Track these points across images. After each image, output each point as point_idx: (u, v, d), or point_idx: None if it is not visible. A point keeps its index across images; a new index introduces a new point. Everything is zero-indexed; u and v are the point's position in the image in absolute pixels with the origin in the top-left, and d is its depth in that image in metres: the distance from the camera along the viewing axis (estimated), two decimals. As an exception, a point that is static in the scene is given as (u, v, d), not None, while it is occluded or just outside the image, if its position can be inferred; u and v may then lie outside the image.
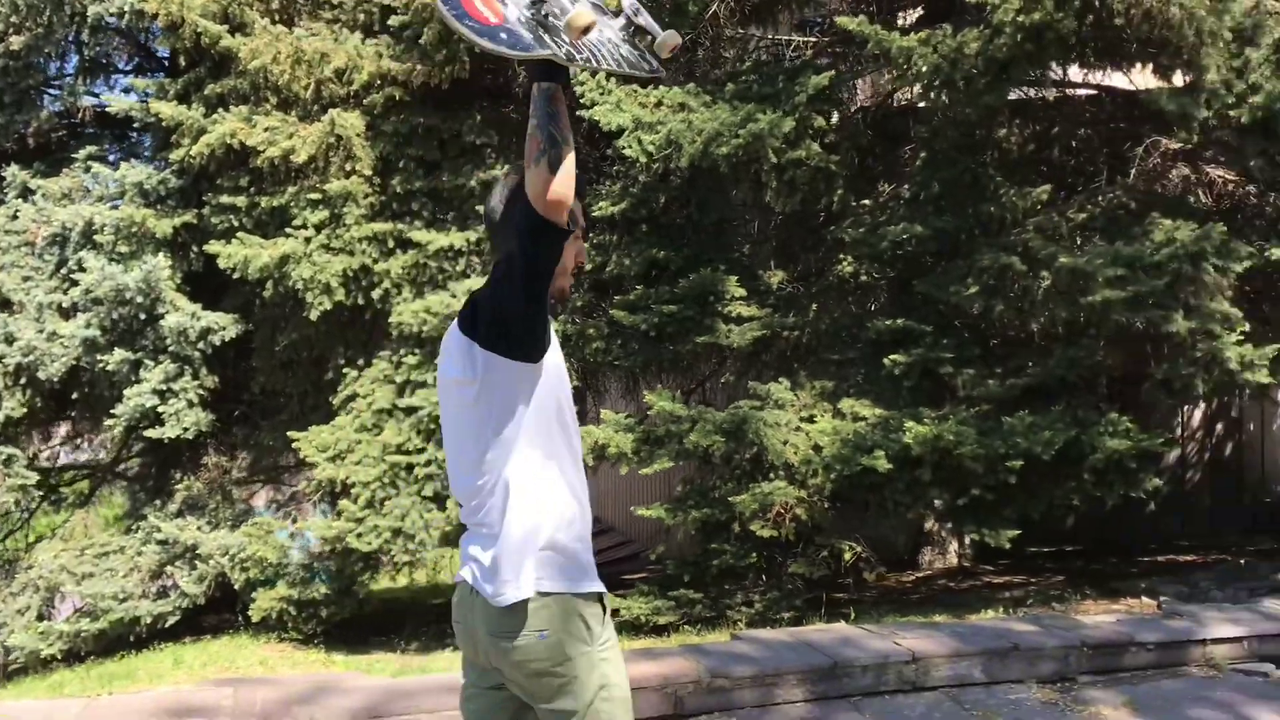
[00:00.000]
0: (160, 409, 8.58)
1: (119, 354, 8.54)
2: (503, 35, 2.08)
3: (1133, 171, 7.69)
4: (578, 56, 2.18)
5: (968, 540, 9.18)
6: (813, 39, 8.90)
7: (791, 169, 7.28)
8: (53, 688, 7.12)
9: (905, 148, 8.60)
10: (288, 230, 8.28)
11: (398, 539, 7.74)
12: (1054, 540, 9.76)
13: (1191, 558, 9.08)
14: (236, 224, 8.48)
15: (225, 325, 8.69)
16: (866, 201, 8.28)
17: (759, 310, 7.83)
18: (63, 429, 10.74)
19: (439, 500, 7.86)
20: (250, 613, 8.24)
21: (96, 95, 10.44)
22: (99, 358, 8.60)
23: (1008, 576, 8.75)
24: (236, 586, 8.49)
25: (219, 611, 9.14)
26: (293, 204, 8.29)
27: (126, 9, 9.04)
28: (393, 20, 8.21)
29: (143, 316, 8.55)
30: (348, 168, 8.22)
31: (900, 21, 8.59)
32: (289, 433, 8.46)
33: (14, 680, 8.23)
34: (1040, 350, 7.47)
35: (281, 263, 8.08)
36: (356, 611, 8.54)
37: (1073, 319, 7.07)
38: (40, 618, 8.61)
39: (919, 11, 8.76)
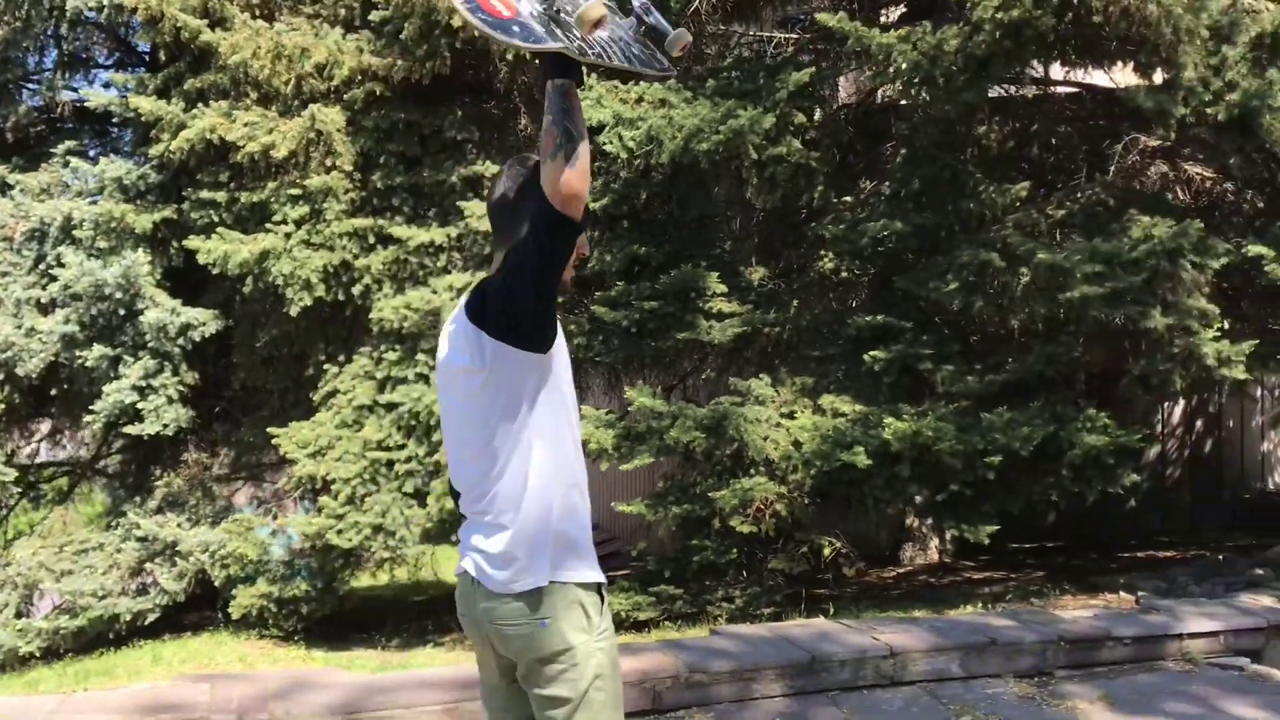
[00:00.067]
0: (140, 405, 8.53)
1: (98, 350, 8.49)
2: (515, 28, 2.10)
3: (1112, 169, 7.73)
4: (589, 51, 2.21)
5: (949, 536, 9.21)
6: (794, 36, 8.91)
7: (772, 165, 7.29)
8: (29, 685, 7.07)
9: (887, 145, 8.63)
10: (268, 226, 8.25)
11: (378, 535, 7.72)
12: (1035, 536, 9.80)
13: (1171, 553, 9.13)
14: (216, 219, 8.44)
15: (205, 321, 8.65)
16: (848, 198, 8.30)
17: (740, 307, 7.84)
18: (45, 426, 10.68)
19: (419, 497, 7.85)
20: (230, 610, 8.21)
21: (76, 90, 10.37)
22: (78, 354, 8.55)
23: (988, 572, 8.78)
24: (217, 583, 8.46)
25: (199, 609, 9.10)
26: (273, 199, 8.26)
27: (106, 3, 9.00)
28: (373, 15, 8.19)
29: (122, 312, 8.50)
30: (328, 163, 8.19)
31: (883, 19, 8.60)
32: (269, 429, 8.43)
33: (-9, 678, 8.18)
34: (1019, 346, 7.50)
35: (261, 258, 8.05)
36: (337, 608, 8.52)
37: (1052, 315, 7.11)
38: (19, 615, 8.55)
39: (901, 9, 8.77)
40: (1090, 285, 6.59)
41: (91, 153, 9.96)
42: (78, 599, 8.30)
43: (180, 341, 8.58)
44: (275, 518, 8.93)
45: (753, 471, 6.97)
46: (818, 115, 8.22)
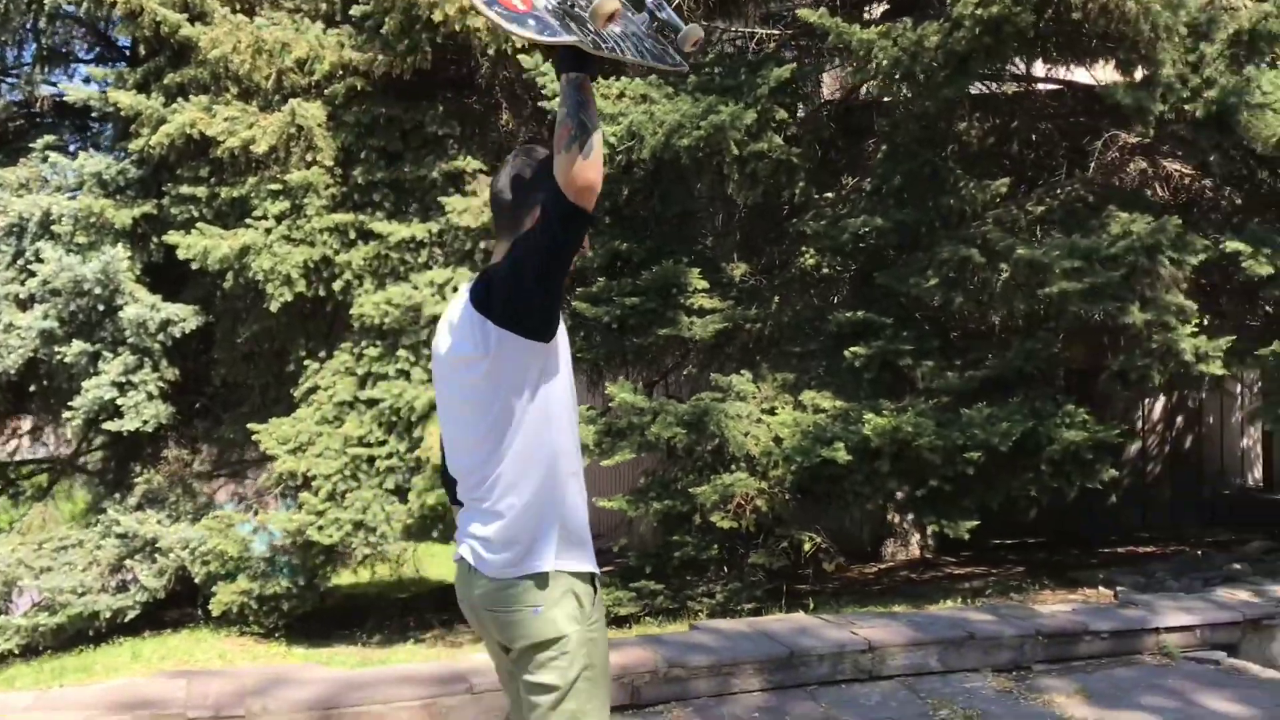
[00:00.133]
0: (119, 401, 8.48)
1: (77, 346, 8.44)
2: (531, 21, 2.13)
3: (1092, 165, 7.76)
4: (603, 46, 2.24)
5: (930, 532, 9.23)
6: (777, 32, 8.91)
7: (753, 161, 7.29)
8: (6, 682, 7.03)
9: (868, 141, 8.64)
10: (248, 221, 8.20)
11: (359, 531, 7.69)
12: (1016, 532, 9.84)
13: (1151, 549, 9.18)
14: (196, 214, 8.39)
15: (185, 317, 8.60)
16: (829, 194, 8.30)
17: (721, 302, 7.84)
18: (26, 423, 10.62)
19: (401, 493, 7.83)
20: (211, 607, 8.17)
21: (55, 84, 10.33)
22: (57, 349, 8.49)
23: (969, 568, 8.81)
24: (197, 580, 8.41)
25: (180, 606, 9.05)
26: (253, 194, 8.21)
27: (85, -4, 8.93)
28: (354, 10, 8.14)
29: (101, 308, 8.44)
30: (309, 158, 8.16)
31: (866, 15, 8.61)
32: (249, 425, 8.39)
33: (-32, 676, 8.13)
34: (999, 342, 7.52)
35: (242, 254, 8.01)
36: (318, 605, 8.50)
37: (1031, 311, 7.13)
38: (-3, 612, 8.52)
39: (884, 6, 8.78)
40: (1069, 281, 6.61)
41: (71, 148, 9.90)
42: (57, 596, 8.25)
43: (160, 337, 8.53)
44: (256, 514, 8.89)
45: (734, 467, 6.98)
46: (800, 111, 8.22)
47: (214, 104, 8.24)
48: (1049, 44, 7.16)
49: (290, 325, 8.50)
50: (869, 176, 8.21)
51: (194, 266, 8.18)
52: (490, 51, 7.87)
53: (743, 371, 7.50)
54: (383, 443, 7.89)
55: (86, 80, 9.99)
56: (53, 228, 8.64)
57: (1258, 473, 11.32)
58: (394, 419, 7.86)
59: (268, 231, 8.12)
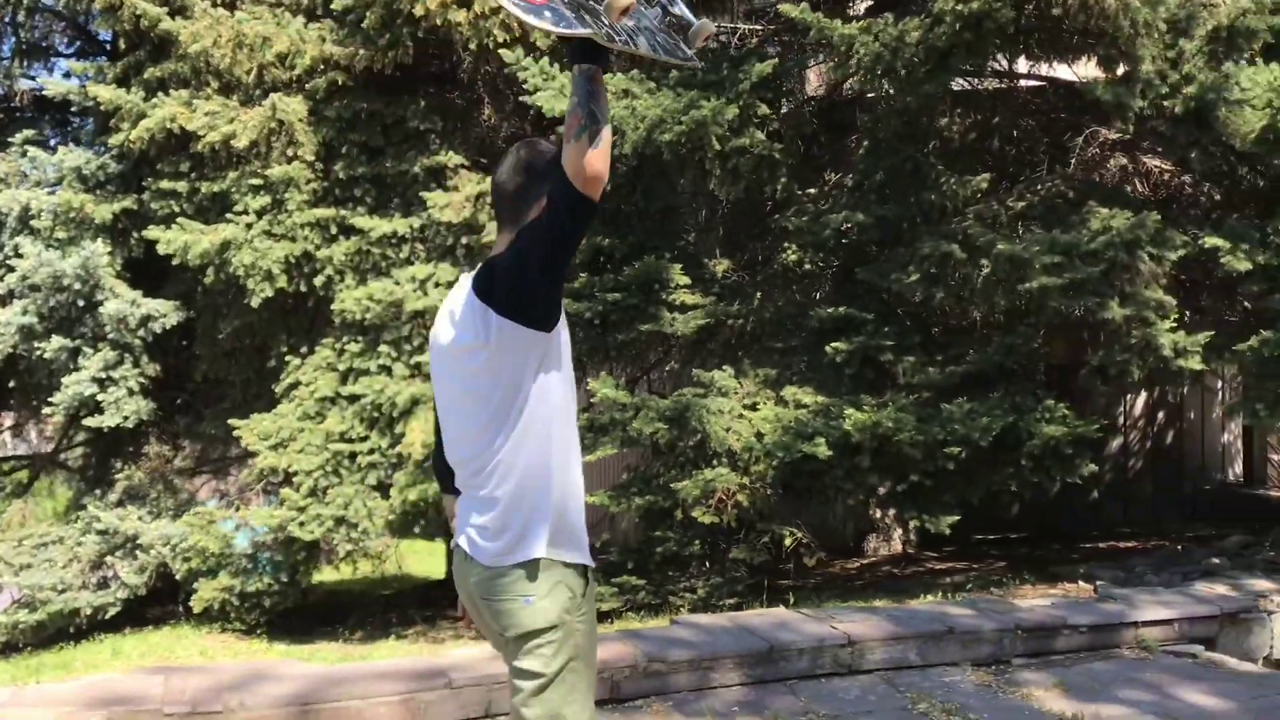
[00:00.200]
0: (100, 397, 8.46)
1: (56, 341, 8.41)
2: (547, 13, 2.17)
3: (1072, 161, 7.77)
4: (617, 39, 2.28)
5: (912, 528, 9.26)
6: (760, 28, 8.90)
7: (735, 157, 7.29)
8: (-15, 679, 7.00)
9: (850, 137, 8.64)
10: (229, 216, 8.19)
11: (341, 527, 7.69)
12: (999, 528, 9.87)
13: (1132, 544, 9.21)
14: (177, 209, 8.37)
15: (166, 312, 8.58)
16: (811, 190, 8.30)
17: (704, 299, 7.84)
18: (7, 419, 10.57)
19: (382, 489, 7.82)
20: (192, 604, 8.16)
21: (34, 79, 10.28)
22: (36, 345, 8.47)
23: (951, 563, 8.83)
24: (178, 577, 8.39)
25: (161, 603, 9.03)
26: (234, 189, 8.19)
27: (64, -10, 8.91)
28: (336, 4, 8.12)
29: (81, 303, 8.43)
30: (290, 153, 8.14)
31: (850, 11, 8.61)
32: (230, 421, 8.37)
33: (-53, 673, 8.09)
34: (980, 338, 7.54)
35: (222, 249, 7.99)
36: (301, 602, 8.48)
37: (1012, 306, 7.15)
38: (-23, 610, 8.49)
39: (868, 1, 8.79)
40: (1049, 276, 6.63)
41: (51, 142, 9.88)
42: (37, 593, 8.22)
43: (141, 333, 8.51)
44: (238, 511, 8.87)
45: (715, 463, 6.98)
46: (783, 107, 8.22)
47: (194, 98, 8.22)
48: (1030, 40, 7.17)
49: (271, 321, 8.48)
50: (851, 172, 8.21)
51: (174, 262, 8.16)
52: (472, 46, 7.86)
53: (725, 367, 7.50)
54: (364, 438, 7.88)
55: (66, 74, 9.95)
56: (32, 223, 8.62)
57: (1238, 468, 11.38)
58: (375, 415, 7.84)
59: (248, 226, 8.10)
